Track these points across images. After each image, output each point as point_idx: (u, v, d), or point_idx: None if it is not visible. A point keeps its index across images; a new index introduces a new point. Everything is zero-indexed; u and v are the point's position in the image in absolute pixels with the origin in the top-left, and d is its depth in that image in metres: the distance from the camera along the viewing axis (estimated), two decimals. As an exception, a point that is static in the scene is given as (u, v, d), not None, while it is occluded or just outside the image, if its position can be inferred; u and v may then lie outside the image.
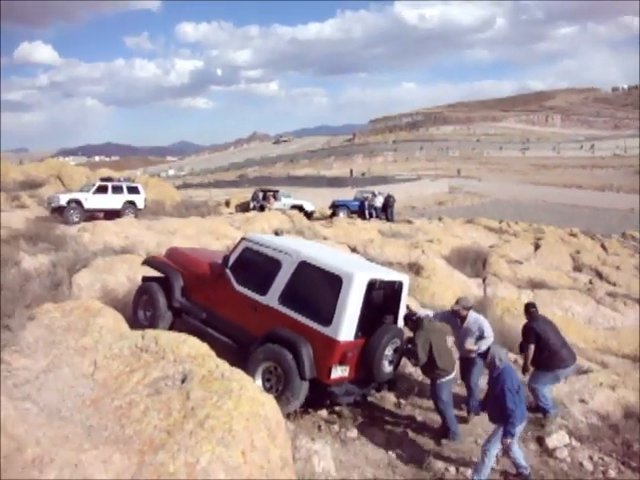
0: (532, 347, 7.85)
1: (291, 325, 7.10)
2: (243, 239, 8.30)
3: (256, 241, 8.11)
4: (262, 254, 7.85)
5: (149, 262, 9.35)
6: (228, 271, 8.00)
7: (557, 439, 7.43)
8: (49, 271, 11.91)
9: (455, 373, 7.54)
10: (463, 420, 7.70)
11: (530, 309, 8.25)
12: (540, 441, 7.47)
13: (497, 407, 6.28)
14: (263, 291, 7.54)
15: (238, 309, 7.75)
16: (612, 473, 6.86)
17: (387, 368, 7.32)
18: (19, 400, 4.48)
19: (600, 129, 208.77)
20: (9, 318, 6.20)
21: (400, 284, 7.76)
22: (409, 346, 7.31)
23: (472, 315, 7.88)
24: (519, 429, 6.30)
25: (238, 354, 7.14)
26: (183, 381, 4.83)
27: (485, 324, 7.83)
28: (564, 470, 6.92)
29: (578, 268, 23.83)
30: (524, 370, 8.08)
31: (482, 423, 7.54)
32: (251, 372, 6.61)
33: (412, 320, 7.44)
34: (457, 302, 8.04)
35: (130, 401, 4.67)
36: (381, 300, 7.59)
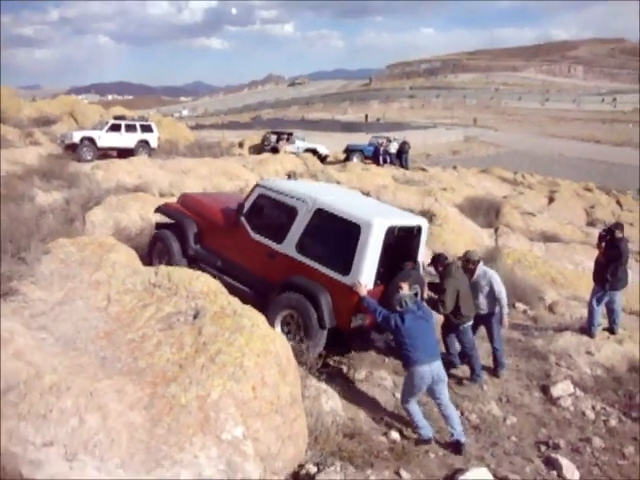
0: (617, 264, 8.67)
1: (309, 273, 7.02)
2: (257, 185, 8.12)
3: (271, 187, 7.92)
4: (277, 201, 7.70)
5: (162, 210, 9.21)
6: (243, 219, 7.87)
7: (561, 388, 7.54)
8: (63, 207, 12.01)
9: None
10: (495, 375, 7.82)
11: (617, 231, 8.90)
12: (544, 390, 7.60)
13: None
14: (279, 239, 7.42)
15: (254, 257, 7.68)
16: (613, 422, 6.97)
17: None
18: (35, 330, 4.57)
19: (624, 82, 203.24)
20: (25, 251, 6.27)
21: (419, 228, 7.60)
22: (433, 294, 7.32)
23: (481, 268, 7.71)
24: (422, 378, 5.92)
25: (255, 302, 7.19)
26: (195, 317, 4.88)
27: (495, 278, 7.66)
28: (566, 418, 7.06)
29: (592, 223, 23.72)
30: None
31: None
32: (270, 320, 6.44)
33: (443, 265, 7.36)
34: (463, 255, 7.92)
35: (143, 335, 4.75)
36: (400, 245, 7.43)
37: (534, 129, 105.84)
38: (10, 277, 5.28)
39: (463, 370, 7.69)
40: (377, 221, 6.81)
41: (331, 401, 6.04)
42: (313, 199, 7.33)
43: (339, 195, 8.56)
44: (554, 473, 5.84)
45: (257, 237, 7.68)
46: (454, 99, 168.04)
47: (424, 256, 7.89)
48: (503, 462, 5.95)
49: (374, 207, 8.35)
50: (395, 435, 5.99)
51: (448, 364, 7.64)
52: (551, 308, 10.74)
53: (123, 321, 4.96)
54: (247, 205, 7.92)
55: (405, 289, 6.42)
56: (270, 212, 7.80)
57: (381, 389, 6.96)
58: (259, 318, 4.95)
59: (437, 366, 5.98)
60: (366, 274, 6.71)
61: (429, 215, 15.52)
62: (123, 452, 3.69)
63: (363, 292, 6.51)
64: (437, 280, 7.63)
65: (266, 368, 4.54)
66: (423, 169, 30.18)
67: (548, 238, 17.75)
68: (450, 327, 7.52)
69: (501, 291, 7.59)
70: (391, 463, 5.43)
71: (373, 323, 6.90)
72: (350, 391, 6.68)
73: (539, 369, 8.10)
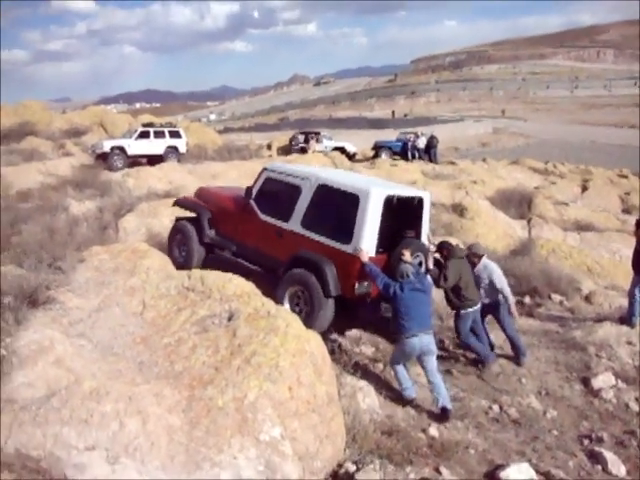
0: None
1: (314, 247, 7.33)
2: (264, 169, 8.50)
3: (277, 170, 8.36)
4: (283, 182, 8.09)
5: (180, 203, 9.72)
6: (252, 202, 8.26)
7: (602, 380, 7.37)
8: (96, 216, 12.24)
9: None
10: (517, 364, 7.72)
11: None
12: (585, 382, 7.44)
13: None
14: (286, 217, 7.78)
15: (265, 238, 8.03)
16: (658, 414, 6.80)
17: None
18: (74, 337, 4.66)
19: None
20: (61, 260, 6.40)
21: (420, 200, 7.73)
22: (436, 268, 7.41)
23: (483, 262, 7.75)
24: (413, 348, 6.23)
25: (269, 281, 7.41)
26: (230, 319, 4.93)
27: (495, 271, 7.67)
28: (609, 410, 6.88)
29: (627, 210, 23.21)
30: None
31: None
32: (279, 297, 7.02)
33: (446, 248, 7.51)
34: (468, 248, 8.03)
35: (179, 339, 4.80)
36: (402, 216, 7.60)
37: (564, 117, 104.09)
38: (48, 286, 5.39)
39: (500, 364, 7.60)
40: (375, 190, 7.13)
41: (368, 399, 6.03)
42: (316, 176, 7.76)
43: (342, 173, 9.30)
44: (599, 467, 5.70)
45: (266, 218, 8.05)
46: (481, 91, 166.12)
47: (428, 229, 8.00)
48: (545, 457, 5.83)
49: (374, 180, 8.99)
50: (434, 431, 5.93)
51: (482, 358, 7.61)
52: (588, 298, 10.52)
53: (159, 326, 5.03)
54: (255, 189, 8.33)
55: (407, 257, 6.68)
56: (277, 193, 8.18)
57: (417, 385, 6.89)
58: (293, 318, 4.98)
59: (427, 339, 6.27)
60: (366, 241, 6.98)
61: (460, 209, 15.41)
62: (163, 455, 3.73)
63: (364, 258, 6.75)
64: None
65: (302, 368, 4.55)
66: (452, 163, 29.90)
67: (583, 227, 17.43)
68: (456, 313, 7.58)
69: (502, 283, 7.64)
70: (430, 460, 5.36)
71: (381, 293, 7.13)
72: (386, 388, 6.64)
73: (578, 361, 7.94)
